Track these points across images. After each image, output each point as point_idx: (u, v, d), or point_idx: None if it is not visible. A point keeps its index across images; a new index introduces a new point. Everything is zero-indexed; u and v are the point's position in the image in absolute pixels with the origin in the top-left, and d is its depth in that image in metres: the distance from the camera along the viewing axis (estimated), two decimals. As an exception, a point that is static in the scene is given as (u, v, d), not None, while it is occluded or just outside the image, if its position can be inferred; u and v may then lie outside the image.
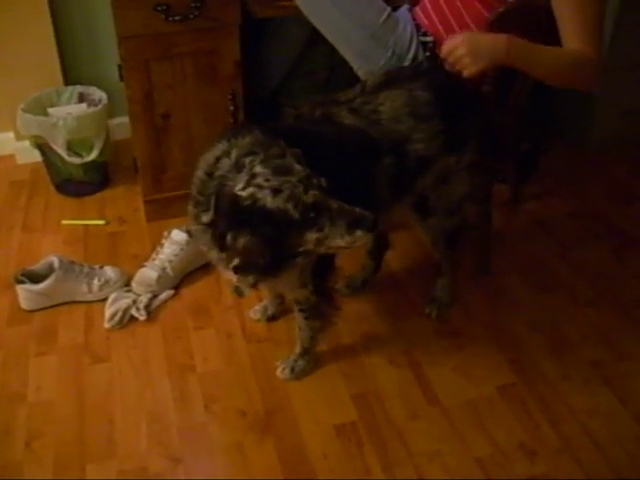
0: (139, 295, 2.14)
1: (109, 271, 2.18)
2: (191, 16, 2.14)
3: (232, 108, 2.36)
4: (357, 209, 1.42)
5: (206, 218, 1.46)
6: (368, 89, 1.79)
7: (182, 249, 2.20)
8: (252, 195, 1.38)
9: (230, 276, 1.54)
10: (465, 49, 1.70)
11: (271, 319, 2.11)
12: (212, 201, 1.44)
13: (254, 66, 2.47)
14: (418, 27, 2.01)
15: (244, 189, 1.38)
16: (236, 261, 1.43)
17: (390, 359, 1.98)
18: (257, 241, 1.40)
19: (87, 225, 2.51)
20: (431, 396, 1.88)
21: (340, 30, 2.00)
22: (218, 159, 1.47)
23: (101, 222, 2.52)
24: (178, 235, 2.22)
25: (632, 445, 1.76)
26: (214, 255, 1.54)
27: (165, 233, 2.26)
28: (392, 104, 1.73)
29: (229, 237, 1.41)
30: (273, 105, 2.42)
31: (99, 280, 2.14)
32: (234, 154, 1.45)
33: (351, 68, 2.06)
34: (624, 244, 2.46)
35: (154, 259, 2.21)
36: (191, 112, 2.36)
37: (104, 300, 2.12)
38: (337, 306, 1.85)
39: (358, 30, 1.98)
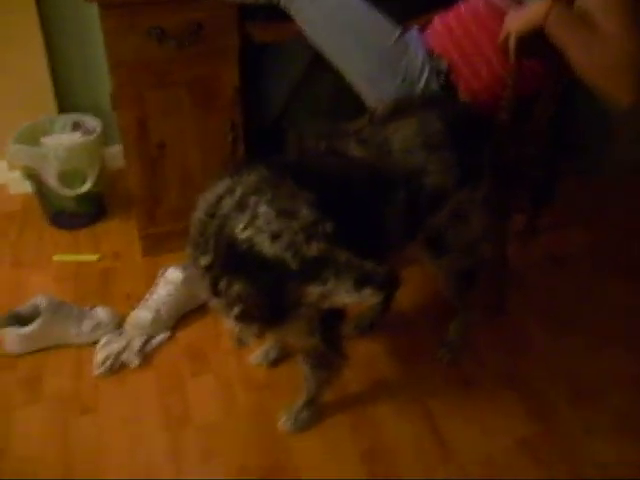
0: (132, 338, 2.00)
1: (100, 312, 2.05)
2: (186, 43, 2.02)
3: (231, 137, 2.23)
4: (368, 264, 1.28)
5: (204, 261, 1.33)
6: (377, 119, 1.66)
7: (177, 289, 2.07)
8: (250, 239, 1.25)
9: (232, 325, 1.41)
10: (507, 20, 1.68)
11: (273, 364, 1.97)
12: (211, 243, 1.31)
13: (255, 92, 2.35)
14: (430, 52, 1.89)
15: (243, 231, 1.26)
16: (236, 311, 1.31)
17: (400, 409, 1.84)
18: (252, 290, 1.28)
19: (80, 261, 2.38)
20: (446, 451, 1.73)
21: (346, 54, 1.89)
22: (220, 198, 1.33)
23: (94, 258, 2.39)
24: (173, 274, 2.09)
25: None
26: (214, 302, 1.41)
27: (160, 271, 2.13)
28: (403, 134, 1.60)
29: (222, 283, 1.29)
30: (276, 132, 2.31)
31: (89, 322, 2.00)
32: (238, 192, 1.31)
33: (358, 94, 1.94)
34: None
35: (147, 300, 2.08)
36: (188, 142, 2.24)
37: (95, 343, 1.99)
38: (345, 355, 1.71)
39: (365, 53, 1.86)
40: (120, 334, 2.02)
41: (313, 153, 1.61)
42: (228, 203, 1.31)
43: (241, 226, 1.26)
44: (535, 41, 1.65)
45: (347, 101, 2.09)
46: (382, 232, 1.56)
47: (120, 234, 2.52)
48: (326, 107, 2.36)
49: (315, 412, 1.80)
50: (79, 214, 2.54)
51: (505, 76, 1.77)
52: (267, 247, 1.24)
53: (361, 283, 1.27)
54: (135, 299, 2.12)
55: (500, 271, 2.11)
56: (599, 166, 2.82)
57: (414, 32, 1.96)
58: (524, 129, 1.92)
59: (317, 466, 1.70)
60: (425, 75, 1.86)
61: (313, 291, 1.29)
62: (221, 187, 1.36)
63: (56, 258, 2.39)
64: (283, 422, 1.79)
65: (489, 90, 1.84)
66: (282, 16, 1.94)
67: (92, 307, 2.07)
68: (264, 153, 1.63)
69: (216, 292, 1.33)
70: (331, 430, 1.79)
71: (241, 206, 1.29)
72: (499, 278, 2.12)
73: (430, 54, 1.87)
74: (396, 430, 1.79)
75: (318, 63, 2.13)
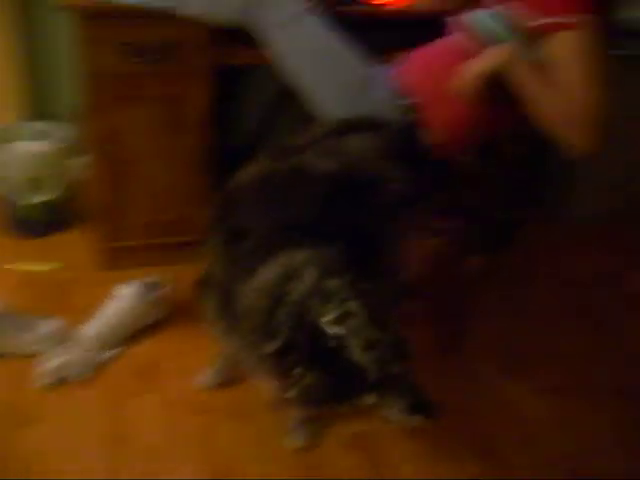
0: (80, 352, 1.95)
1: (49, 323, 1.99)
2: (159, 57, 2.02)
3: (201, 159, 2.22)
4: (424, 394, 1.28)
5: (271, 347, 1.26)
6: (328, 132, 1.67)
7: (131, 306, 2.03)
8: (341, 337, 1.21)
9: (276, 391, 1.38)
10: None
11: (221, 386, 1.94)
12: (283, 330, 1.25)
13: (230, 114, 2.35)
14: (399, 89, 1.89)
15: (333, 325, 1.22)
16: (292, 393, 1.27)
17: (346, 445, 1.82)
18: (326, 383, 1.24)
19: (36, 270, 2.34)
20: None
21: (313, 87, 1.88)
22: (285, 280, 1.28)
23: (51, 267, 2.35)
24: (128, 290, 2.06)
25: None
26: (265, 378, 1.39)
27: (116, 287, 2.10)
28: (361, 144, 1.62)
29: (297, 371, 1.24)
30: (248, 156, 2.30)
31: (37, 333, 1.96)
32: (309, 276, 1.27)
33: None
34: (598, 325, 2.34)
35: (100, 314, 2.04)
36: (157, 159, 2.22)
37: (41, 355, 1.94)
38: None
39: (331, 88, 1.86)
40: (69, 347, 1.97)
41: (282, 173, 1.56)
42: (299, 288, 1.26)
43: (329, 319, 1.22)
44: (496, 85, 1.67)
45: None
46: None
47: (81, 246, 2.48)
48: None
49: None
50: (41, 223, 2.51)
51: (471, 116, 1.78)
52: (358, 353, 1.21)
53: (413, 410, 1.26)
54: (89, 312, 2.08)
55: (459, 307, 2.10)
56: (559, 215, 2.84)
57: (385, 68, 1.97)
58: (489, 171, 1.94)
59: None
60: (390, 112, 1.86)
61: (370, 399, 1.27)
62: (276, 268, 1.31)
63: (10, 266, 2.34)
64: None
65: (458, 129, 1.85)
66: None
67: (41, 317, 2.02)
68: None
69: (284, 375, 1.27)
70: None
71: (322, 294, 1.24)
72: (457, 315, 2.12)
73: (398, 91, 1.88)
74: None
75: (287, 92, 2.15)
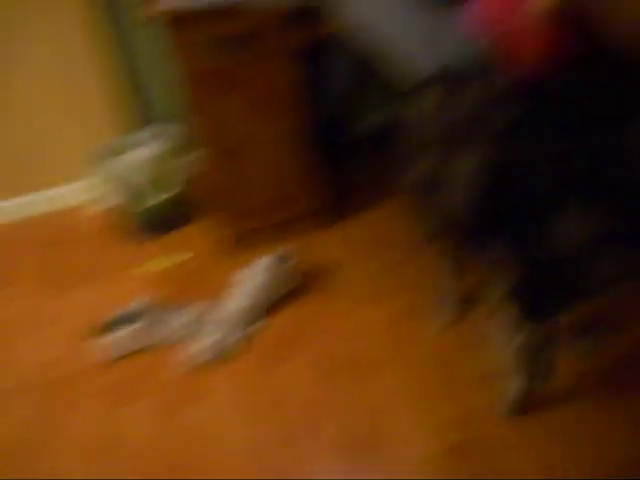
0: (226, 330, 2.11)
1: (191, 310, 2.17)
2: (246, 45, 2.14)
3: (301, 134, 2.34)
4: None
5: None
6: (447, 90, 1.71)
7: (266, 279, 2.18)
8: None
9: None
10: None
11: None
12: None
13: (317, 89, 2.42)
14: (476, 27, 1.90)
15: None
16: None
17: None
18: None
19: (168, 264, 2.51)
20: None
21: (395, 45, 1.92)
22: None
23: (181, 259, 2.52)
24: (260, 265, 2.20)
25: None
26: None
27: (248, 265, 2.25)
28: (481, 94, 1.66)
29: None
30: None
31: (182, 320, 2.14)
32: None
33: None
34: None
35: (237, 293, 2.19)
36: (259, 144, 2.34)
37: (188, 340, 2.11)
38: None
39: (416, 42, 1.89)
40: (216, 327, 2.11)
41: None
42: None
43: None
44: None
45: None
46: None
47: (205, 236, 2.62)
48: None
49: None
50: (164, 221, 2.68)
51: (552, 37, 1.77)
52: None
53: None
54: (225, 294, 2.22)
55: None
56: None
57: (456, 10, 1.97)
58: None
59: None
60: (473, 52, 1.87)
61: None
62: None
63: (144, 267, 2.52)
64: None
65: (544, 52, 1.83)
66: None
67: (184, 305, 2.19)
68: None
69: None
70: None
71: None
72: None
73: (475, 30, 1.88)
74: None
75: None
